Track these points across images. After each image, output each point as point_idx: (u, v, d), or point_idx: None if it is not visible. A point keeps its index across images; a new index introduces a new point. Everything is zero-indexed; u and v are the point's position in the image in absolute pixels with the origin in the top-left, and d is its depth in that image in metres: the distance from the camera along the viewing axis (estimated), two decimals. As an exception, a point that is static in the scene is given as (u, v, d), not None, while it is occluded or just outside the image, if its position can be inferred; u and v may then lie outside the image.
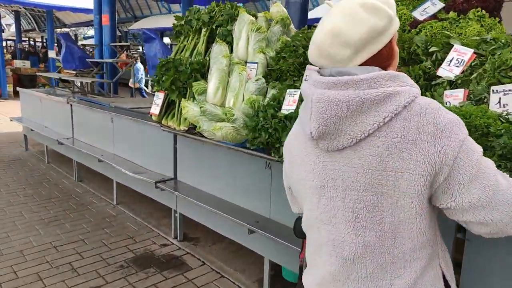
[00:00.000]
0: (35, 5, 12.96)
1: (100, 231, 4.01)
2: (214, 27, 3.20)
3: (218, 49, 2.91)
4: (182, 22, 3.48)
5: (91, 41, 23.14)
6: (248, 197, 3.00)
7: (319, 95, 1.05)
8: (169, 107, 3.34)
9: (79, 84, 5.91)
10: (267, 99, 2.57)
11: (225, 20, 3.13)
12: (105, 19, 7.37)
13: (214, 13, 3.25)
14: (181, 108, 3.15)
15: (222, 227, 3.22)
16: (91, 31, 25.81)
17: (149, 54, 4.64)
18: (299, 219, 1.60)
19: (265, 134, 2.31)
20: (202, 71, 2.98)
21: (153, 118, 3.37)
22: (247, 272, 3.34)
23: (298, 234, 1.62)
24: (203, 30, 3.26)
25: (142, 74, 11.40)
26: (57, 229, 4.01)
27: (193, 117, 2.84)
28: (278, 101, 2.43)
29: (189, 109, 2.85)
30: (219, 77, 2.72)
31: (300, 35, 2.75)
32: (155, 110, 3.31)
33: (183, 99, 2.98)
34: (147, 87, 11.86)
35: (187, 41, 3.45)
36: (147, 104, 4.87)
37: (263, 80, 2.64)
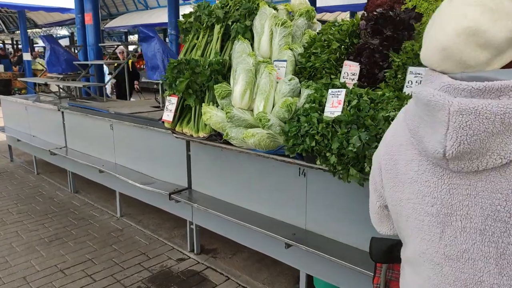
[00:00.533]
0: (5, 5, 12.26)
1: (108, 248, 3.71)
2: (229, 23, 2.93)
3: (241, 47, 2.65)
4: (191, 19, 3.19)
5: (65, 41, 22.21)
6: (279, 207, 2.77)
7: (461, 106, 0.82)
8: (182, 112, 3.06)
9: (65, 89, 5.52)
10: (302, 101, 2.33)
11: (242, 15, 2.86)
12: (88, 18, 6.94)
13: (228, 7, 2.98)
14: (198, 114, 2.89)
15: (251, 239, 2.98)
16: (63, 31, 24.80)
17: (147, 54, 4.32)
18: (376, 240, 1.39)
19: (310, 140, 2.08)
20: (223, 72, 2.72)
21: (166, 125, 3.09)
22: (277, 284, 3.12)
23: (376, 257, 1.40)
24: (217, 26, 2.98)
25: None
26: (61, 249, 3.69)
27: (217, 124, 2.59)
28: (319, 103, 2.20)
29: (212, 114, 2.59)
30: (247, 78, 2.47)
31: (333, 28, 2.52)
32: (167, 116, 3.03)
33: (203, 104, 2.71)
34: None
35: (197, 40, 3.17)
36: (146, 107, 4.57)
37: (297, 79, 2.40)
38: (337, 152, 1.97)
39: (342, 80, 2.37)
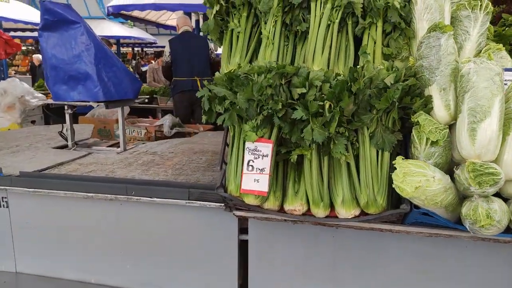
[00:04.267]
0: None
1: None
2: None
3: (450, 44, 1.39)
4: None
5: None
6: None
7: None
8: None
9: None
10: None
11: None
12: None
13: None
14: (332, 171, 1.47)
15: None
16: None
17: (54, 54, 2.25)
18: None
19: None
20: (416, 91, 1.39)
21: (248, 200, 1.49)
22: None
23: None
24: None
25: None
26: None
27: (436, 196, 1.28)
28: None
29: (426, 179, 1.26)
30: (500, 109, 1.27)
31: None
32: (257, 184, 1.44)
33: (398, 158, 1.32)
34: None
35: (265, 29, 1.68)
36: (51, 153, 2.51)
37: None
38: None
39: None
